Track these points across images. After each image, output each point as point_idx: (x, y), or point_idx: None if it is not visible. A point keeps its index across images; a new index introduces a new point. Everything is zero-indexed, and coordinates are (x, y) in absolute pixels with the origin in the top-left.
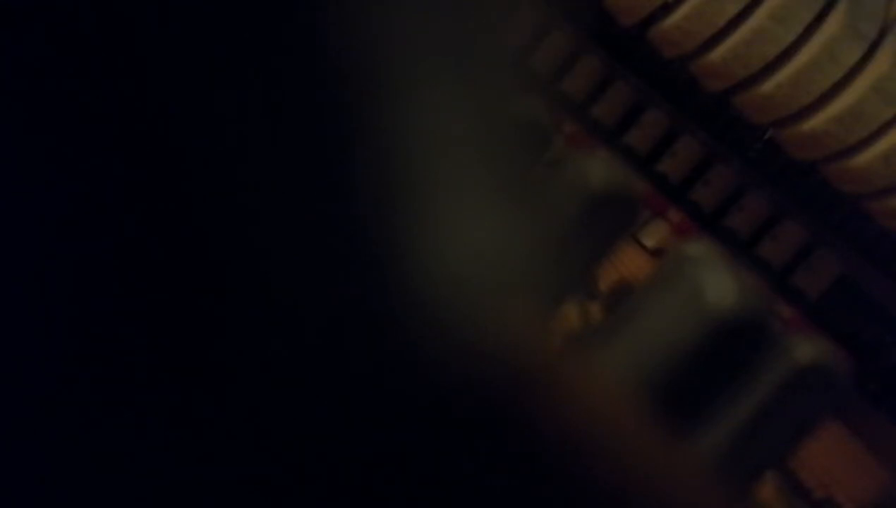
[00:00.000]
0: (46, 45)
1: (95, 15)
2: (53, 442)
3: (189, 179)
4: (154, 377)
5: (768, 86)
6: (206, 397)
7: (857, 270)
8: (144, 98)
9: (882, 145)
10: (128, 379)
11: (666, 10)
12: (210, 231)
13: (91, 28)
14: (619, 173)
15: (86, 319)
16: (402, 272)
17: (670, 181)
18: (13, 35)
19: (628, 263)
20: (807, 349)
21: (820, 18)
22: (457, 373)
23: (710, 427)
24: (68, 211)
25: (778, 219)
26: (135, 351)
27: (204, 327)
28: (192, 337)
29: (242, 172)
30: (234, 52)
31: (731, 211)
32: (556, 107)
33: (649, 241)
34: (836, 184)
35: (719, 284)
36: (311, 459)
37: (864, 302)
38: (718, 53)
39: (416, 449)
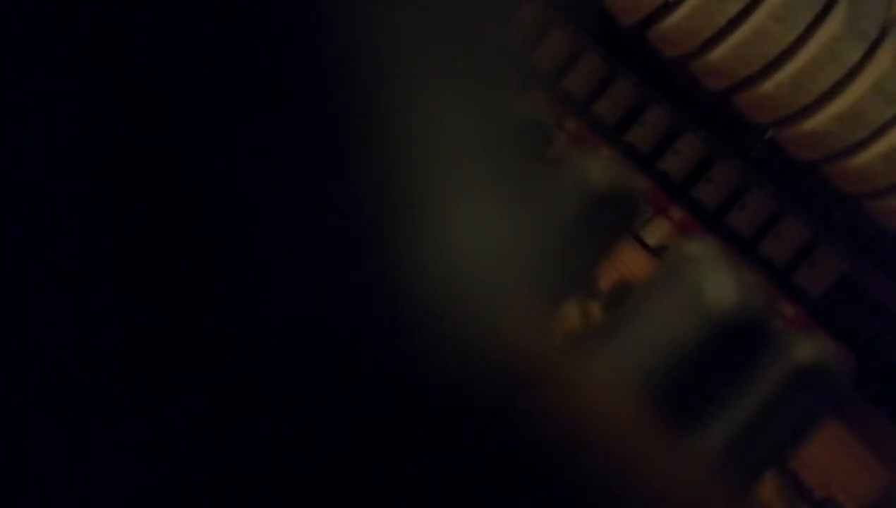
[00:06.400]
0: (46, 44)
1: (92, 11)
2: (44, 442)
3: (188, 179)
4: (148, 377)
5: (769, 85)
6: (206, 398)
7: (858, 269)
8: (143, 95)
9: (882, 145)
10: (123, 375)
11: (666, 9)
12: (208, 230)
13: (88, 25)
14: (619, 173)
15: (80, 315)
16: (402, 271)
17: (672, 179)
18: (15, 40)
19: (629, 263)
20: (807, 348)
21: (820, 18)
22: (457, 373)
23: (710, 427)
24: (64, 208)
25: (780, 218)
26: (128, 347)
27: (200, 328)
28: (187, 338)
29: (241, 171)
30: (233, 48)
31: (733, 209)
32: (558, 105)
33: (651, 239)
34: (837, 184)
35: (720, 284)
36: (310, 459)
37: (865, 301)
38: (719, 53)
39: (417, 449)
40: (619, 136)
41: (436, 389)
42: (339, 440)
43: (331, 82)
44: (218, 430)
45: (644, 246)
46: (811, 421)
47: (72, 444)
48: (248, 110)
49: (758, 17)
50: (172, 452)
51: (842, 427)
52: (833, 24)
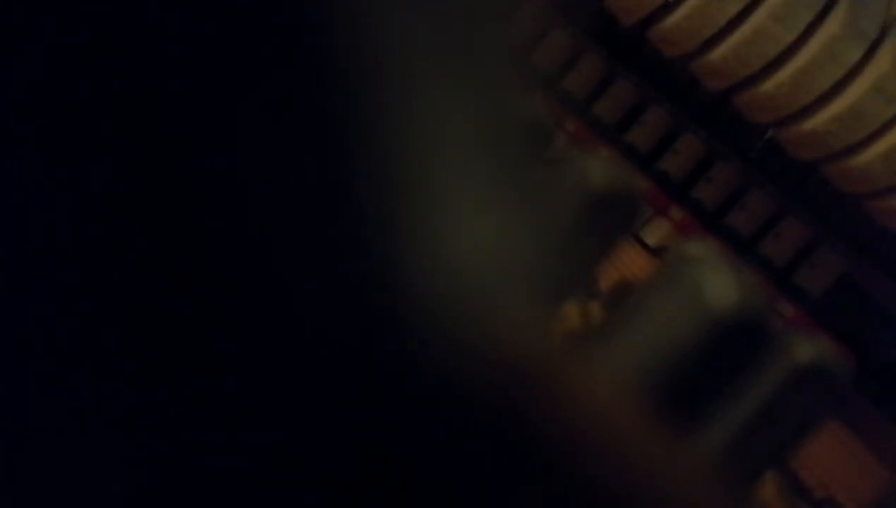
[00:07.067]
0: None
1: (96, 10)
2: (43, 440)
3: (190, 179)
4: (149, 375)
5: (769, 85)
6: (209, 398)
7: (858, 269)
8: (145, 95)
9: (882, 145)
10: (124, 373)
11: (666, 9)
12: (210, 231)
13: (93, 23)
14: (619, 173)
15: (81, 315)
16: (403, 271)
17: (672, 179)
18: (18, 42)
19: (629, 263)
20: (807, 348)
21: (821, 18)
22: (457, 373)
23: (710, 427)
24: (66, 208)
25: (780, 218)
26: (129, 344)
27: (201, 328)
28: (188, 340)
29: (243, 172)
30: (234, 48)
31: (732, 209)
32: (558, 106)
33: (651, 239)
34: (837, 184)
35: (719, 284)
36: (310, 460)
37: (864, 301)
38: (719, 53)
39: (417, 449)
40: (619, 136)
41: (435, 388)
42: (340, 439)
43: (332, 83)
44: (220, 430)
45: (644, 246)
46: (811, 420)
47: (72, 446)
48: (250, 110)
49: (758, 17)
50: (171, 452)
51: (842, 427)
52: (833, 24)
